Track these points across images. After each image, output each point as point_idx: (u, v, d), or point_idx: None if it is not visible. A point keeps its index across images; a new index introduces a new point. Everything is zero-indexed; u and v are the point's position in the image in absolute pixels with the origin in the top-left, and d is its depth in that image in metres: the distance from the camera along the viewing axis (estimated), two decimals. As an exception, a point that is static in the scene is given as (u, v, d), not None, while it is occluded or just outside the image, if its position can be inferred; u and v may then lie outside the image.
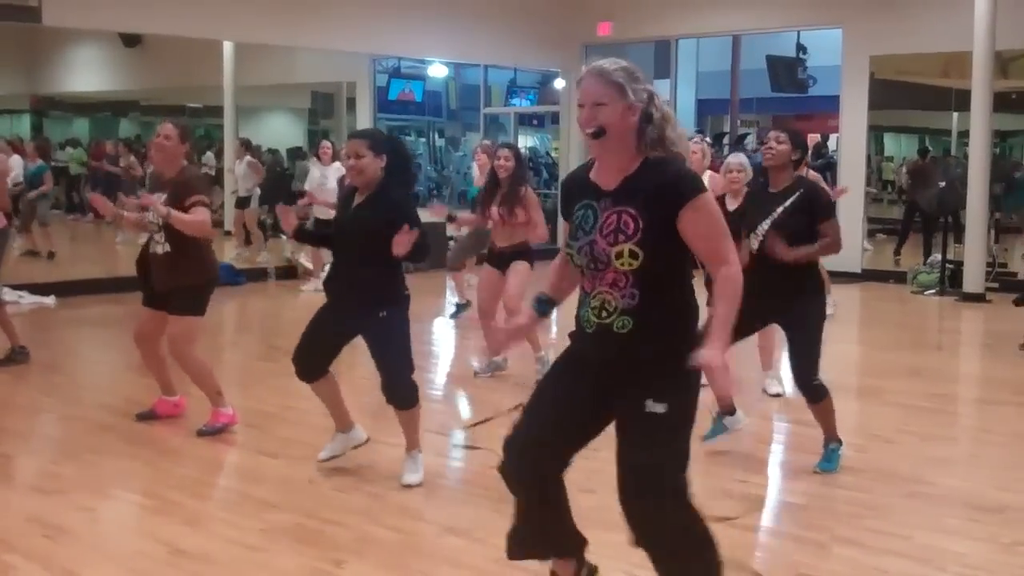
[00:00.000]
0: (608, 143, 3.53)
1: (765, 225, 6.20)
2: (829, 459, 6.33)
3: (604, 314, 3.54)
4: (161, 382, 7.28)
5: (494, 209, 8.36)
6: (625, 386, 3.52)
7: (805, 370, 6.24)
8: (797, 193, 6.19)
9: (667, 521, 3.54)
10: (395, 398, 5.90)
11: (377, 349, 5.83)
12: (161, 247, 6.77)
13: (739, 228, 6.45)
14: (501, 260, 8.53)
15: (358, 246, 5.77)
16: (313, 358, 6.01)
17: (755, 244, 6.24)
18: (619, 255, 3.47)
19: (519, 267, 8.38)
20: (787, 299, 6.14)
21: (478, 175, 10.94)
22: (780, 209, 6.17)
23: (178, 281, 6.75)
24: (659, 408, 3.46)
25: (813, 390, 6.25)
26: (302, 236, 6.38)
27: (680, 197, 3.46)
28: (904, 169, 22.11)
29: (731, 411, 6.73)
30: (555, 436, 3.70)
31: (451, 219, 9.39)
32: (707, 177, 9.47)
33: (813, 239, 6.16)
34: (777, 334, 6.76)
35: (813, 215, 6.16)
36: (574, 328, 3.72)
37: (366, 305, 5.75)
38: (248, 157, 16.79)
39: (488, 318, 8.73)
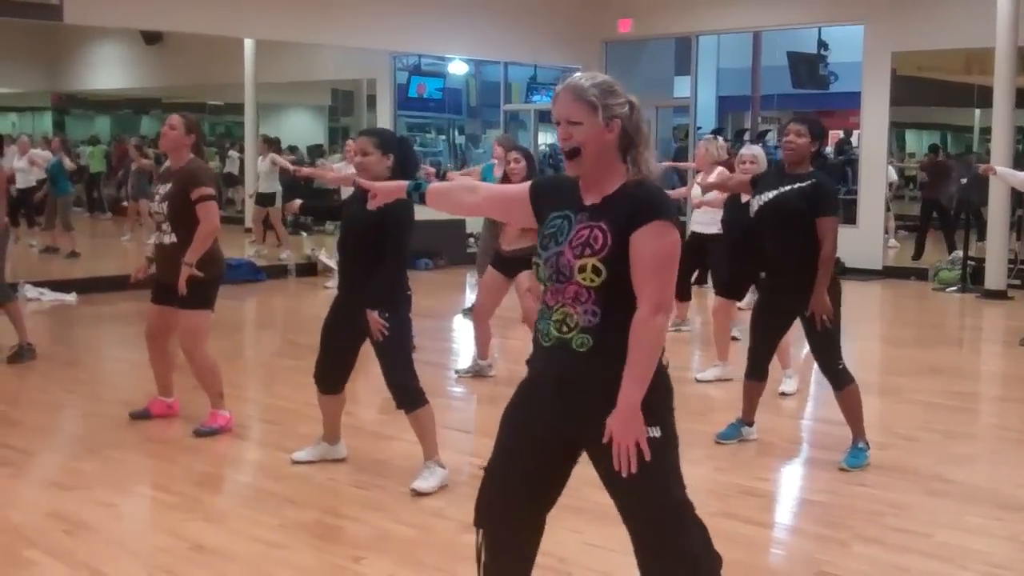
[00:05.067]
0: (585, 162, 3.35)
1: (770, 194, 6.27)
2: (856, 456, 6.33)
3: (565, 328, 3.34)
4: (160, 382, 7.29)
5: None
6: (600, 418, 3.28)
7: (827, 357, 6.32)
8: (810, 181, 6.25)
9: (676, 539, 3.36)
10: (397, 400, 5.90)
11: (377, 350, 5.83)
12: (168, 237, 6.79)
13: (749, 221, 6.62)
14: (507, 265, 8.49)
15: (357, 245, 5.81)
16: (334, 373, 6.09)
17: (754, 208, 6.34)
18: (582, 268, 3.28)
19: (529, 284, 8.29)
20: (799, 292, 6.20)
21: (497, 167, 10.92)
22: (790, 187, 6.23)
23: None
24: (655, 432, 3.30)
25: (837, 375, 6.30)
26: (309, 210, 6.32)
27: (643, 215, 3.26)
28: (919, 167, 22.03)
29: (750, 423, 6.87)
30: (529, 488, 3.50)
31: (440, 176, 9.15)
32: (716, 172, 9.51)
33: (808, 229, 6.19)
34: (791, 330, 6.74)
35: (813, 206, 6.18)
36: (532, 350, 3.53)
37: (363, 300, 5.74)
38: (272, 154, 16.80)
39: (482, 320, 8.72)
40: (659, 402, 3.33)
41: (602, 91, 3.34)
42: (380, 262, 5.71)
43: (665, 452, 3.34)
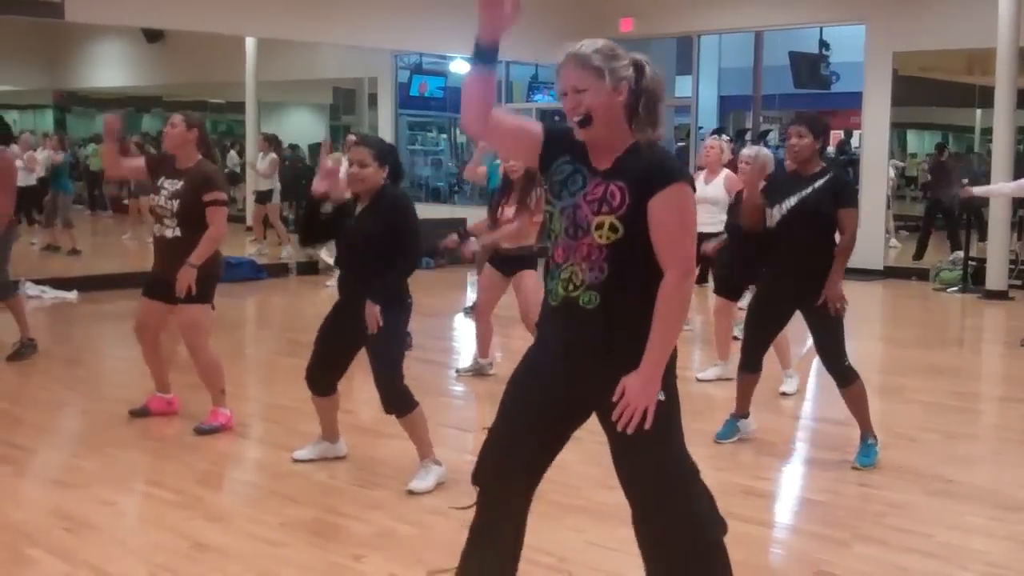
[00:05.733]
0: (597, 129, 3.35)
1: (792, 201, 6.24)
2: (866, 454, 6.33)
3: (571, 287, 3.36)
4: (157, 379, 7.29)
5: (507, 211, 8.25)
6: (608, 380, 3.32)
7: (833, 354, 6.32)
8: (828, 176, 6.25)
9: (679, 500, 3.39)
10: (385, 405, 5.87)
11: (371, 351, 5.83)
12: (171, 231, 6.77)
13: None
14: (505, 263, 8.42)
15: (360, 252, 5.78)
16: (326, 375, 6.08)
17: (776, 218, 6.30)
18: (599, 226, 3.30)
19: (529, 282, 8.24)
20: (806, 288, 6.21)
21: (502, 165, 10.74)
22: (810, 189, 6.21)
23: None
24: (660, 396, 3.32)
25: (843, 373, 6.31)
26: (309, 238, 6.22)
27: (660, 179, 3.28)
28: (924, 167, 22.04)
29: (745, 415, 6.86)
30: (530, 450, 3.53)
31: (463, 238, 8.96)
32: (723, 175, 9.52)
33: (831, 224, 6.22)
34: (791, 330, 6.76)
35: (837, 200, 6.19)
36: (541, 314, 3.55)
37: (371, 297, 5.71)
38: (272, 154, 16.81)
39: (484, 318, 8.71)
40: (666, 368, 3.36)
41: (605, 55, 3.34)
42: (386, 267, 5.70)
43: (671, 415, 3.38)
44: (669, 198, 3.28)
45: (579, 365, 3.40)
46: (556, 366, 3.45)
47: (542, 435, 3.52)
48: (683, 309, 3.31)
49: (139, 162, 7.22)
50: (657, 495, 3.37)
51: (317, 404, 6.21)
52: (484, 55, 3.30)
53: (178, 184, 6.76)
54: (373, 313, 5.67)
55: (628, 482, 3.41)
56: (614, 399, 3.28)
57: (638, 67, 3.38)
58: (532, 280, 8.21)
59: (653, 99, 3.39)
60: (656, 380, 3.27)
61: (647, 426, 3.26)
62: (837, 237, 6.27)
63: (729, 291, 8.67)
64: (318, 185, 5.79)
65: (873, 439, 6.38)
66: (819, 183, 6.21)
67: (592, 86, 3.32)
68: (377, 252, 5.69)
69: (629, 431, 3.26)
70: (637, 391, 3.27)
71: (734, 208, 8.41)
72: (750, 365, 6.68)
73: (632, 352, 3.29)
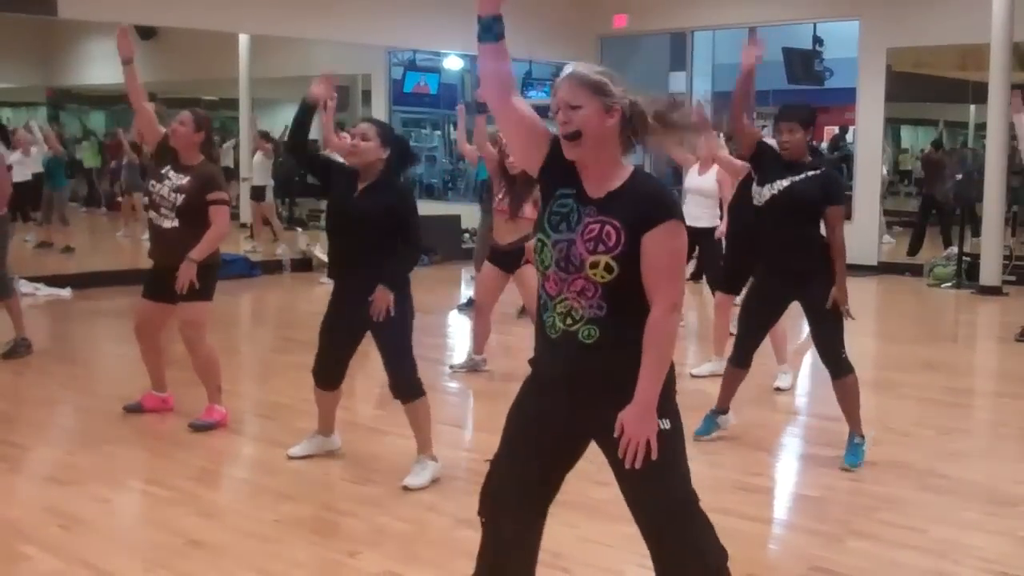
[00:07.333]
0: (584, 146, 3.31)
1: (783, 183, 6.22)
2: (854, 453, 6.30)
3: (570, 320, 3.31)
4: (154, 376, 7.29)
5: (503, 202, 8.21)
6: (610, 411, 3.28)
7: (831, 344, 6.30)
8: (821, 169, 6.28)
9: (686, 533, 3.38)
10: (395, 389, 5.89)
11: (377, 338, 5.84)
12: (168, 221, 6.76)
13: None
14: (504, 258, 8.42)
15: (359, 235, 5.77)
16: (334, 368, 6.08)
17: (766, 196, 6.28)
18: (595, 264, 3.24)
19: (530, 274, 8.13)
20: (803, 278, 6.22)
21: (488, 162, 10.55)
22: (802, 176, 6.20)
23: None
24: (665, 424, 3.31)
25: (838, 363, 6.28)
26: (298, 148, 6.11)
27: (655, 216, 3.24)
28: (919, 161, 22.04)
29: (725, 411, 6.84)
30: (536, 482, 3.51)
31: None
32: (715, 168, 9.52)
33: (815, 217, 6.24)
34: (787, 325, 6.76)
35: (826, 195, 6.20)
36: (535, 346, 3.51)
37: (368, 293, 5.72)
38: (268, 145, 16.81)
39: (483, 315, 8.70)
40: (666, 395, 3.35)
41: (603, 77, 3.31)
42: (382, 249, 5.71)
43: (675, 443, 3.36)
44: (663, 236, 3.24)
45: (581, 398, 3.37)
46: (557, 399, 3.41)
47: (546, 466, 3.51)
48: (671, 341, 3.29)
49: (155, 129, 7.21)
50: (665, 522, 3.36)
51: (320, 398, 6.22)
52: (488, 28, 3.31)
53: (184, 180, 6.75)
54: (387, 299, 5.67)
55: (635, 508, 3.39)
56: (615, 435, 3.27)
57: (634, 103, 3.34)
58: (533, 272, 8.16)
59: (641, 131, 3.35)
60: (652, 410, 3.26)
61: (653, 456, 3.25)
62: (822, 228, 6.28)
63: (728, 286, 8.68)
64: (315, 88, 5.87)
65: (860, 438, 6.35)
66: (811, 173, 6.21)
67: (585, 103, 3.29)
68: (377, 232, 5.69)
69: (637, 466, 3.25)
70: (636, 424, 3.25)
71: (740, 189, 8.38)
72: (740, 360, 6.66)
73: (632, 382, 3.27)
